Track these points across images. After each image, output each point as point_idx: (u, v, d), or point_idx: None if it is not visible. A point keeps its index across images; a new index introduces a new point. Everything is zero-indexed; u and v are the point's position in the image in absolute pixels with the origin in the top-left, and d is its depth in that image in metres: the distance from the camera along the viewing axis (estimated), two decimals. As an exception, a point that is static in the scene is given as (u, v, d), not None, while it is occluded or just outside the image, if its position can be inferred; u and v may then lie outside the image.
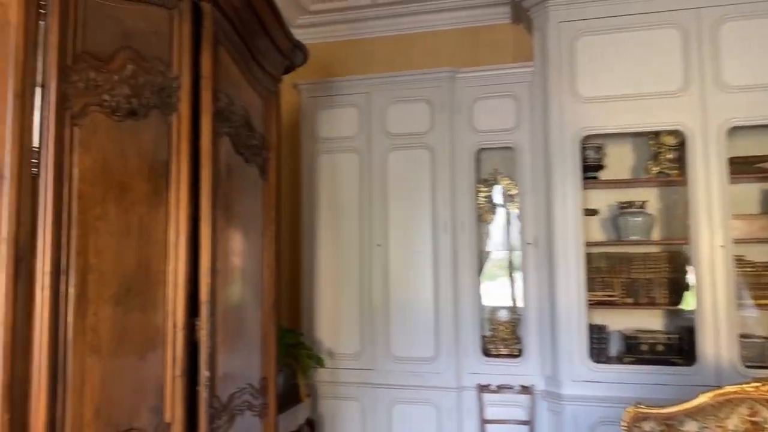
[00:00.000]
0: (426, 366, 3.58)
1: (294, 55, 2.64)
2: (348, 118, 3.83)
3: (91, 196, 1.49)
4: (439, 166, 3.67)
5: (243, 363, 2.23)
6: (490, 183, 3.83)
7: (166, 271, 1.77)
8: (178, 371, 1.79)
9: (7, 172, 1.26)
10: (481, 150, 3.73)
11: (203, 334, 1.91)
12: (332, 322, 3.75)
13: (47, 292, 1.34)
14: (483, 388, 3.53)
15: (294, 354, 3.36)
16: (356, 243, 3.75)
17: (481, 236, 3.80)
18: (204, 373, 1.90)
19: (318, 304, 3.77)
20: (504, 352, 3.65)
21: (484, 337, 3.70)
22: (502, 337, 3.69)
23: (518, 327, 3.67)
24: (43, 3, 1.36)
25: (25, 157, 1.30)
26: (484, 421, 3.51)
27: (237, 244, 2.20)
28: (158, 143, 1.76)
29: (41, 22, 1.36)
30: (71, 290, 1.41)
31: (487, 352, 3.63)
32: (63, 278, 1.39)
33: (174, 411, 1.77)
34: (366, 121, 3.79)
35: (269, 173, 2.50)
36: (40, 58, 1.35)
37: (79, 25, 1.47)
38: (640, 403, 2.34)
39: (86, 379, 1.44)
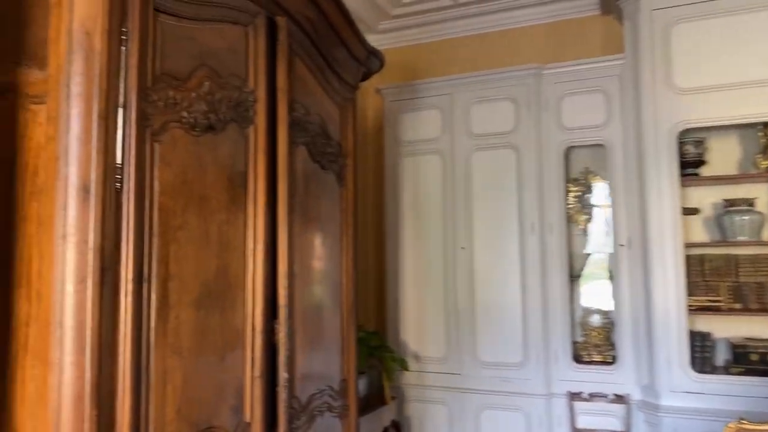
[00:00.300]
0: (514, 371, 3.50)
1: (370, 62, 2.67)
2: (431, 120, 3.82)
3: (172, 208, 1.58)
4: (525, 166, 3.57)
5: (322, 365, 2.29)
6: (580, 182, 3.68)
7: (245, 277, 1.85)
8: (257, 372, 1.86)
9: (93, 188, 1.37)
10: (570, 148, 3.59)
11: (281, 337, 1.98)
12: (418, 326, 3.75)
13: (131, 299, 1.43)
14: (574, 396, 3.40)
15: (378, 356, 3.39)
16: (440, 246, 3.73)
17: (571, 238, 3.66)
18: (282, 374, 1.96)
19: (403, 307, 3.79)
20: (597, 358, 3.49)
21: (575, 342, 3.57)
22: (595, 343, 3.54)
23: (612, 332, 3.50)
24: (124, 30, 1.46)
25: (109, 173, 1.40)
26: (576, 430, 3.38)
27: (314, 248, 2.26)
28: (235, 155, 1.84)
29: (123, 48, 1.46)
30: (153, 296, 1.51)
31: (578, 359, 3.49)
32: (145, 285, 1.49)
33: (253, 411, 1.85)
34: (449, 123, 3.76)
35: (346, 179, 2.54)
36: (122, 81, 1.45)
37: (158, 48, 1.57)
38: (743, 419, 2.16)
39: (168, 379, 1.54)
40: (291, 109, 2.09)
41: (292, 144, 2.09)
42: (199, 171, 1.69)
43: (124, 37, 1.46)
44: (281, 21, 2.05)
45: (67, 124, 1.37)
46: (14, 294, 1.41)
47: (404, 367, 3.53)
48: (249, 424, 1.84)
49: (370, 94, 4.25)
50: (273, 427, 1.94)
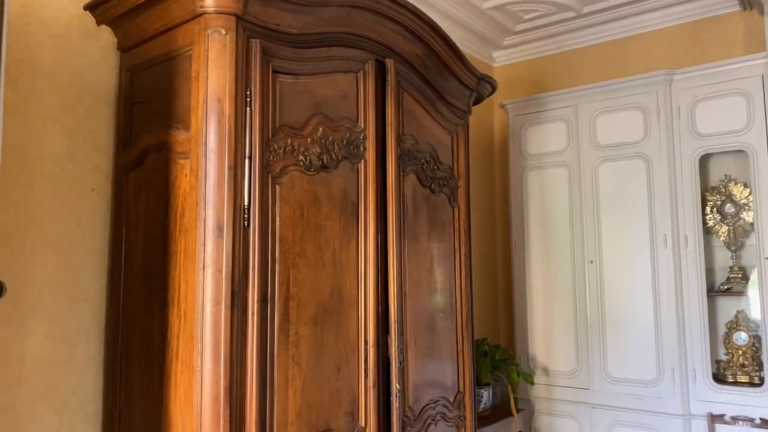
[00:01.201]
0: (647, 389, 3.38)
1: (481, 88, 2.79)
2: (556, 132, 3.82)
3: (290, 238, 1.85)
4: (656, 176, 3.44)
5: (436, 377, 2.45)
6: (719, 191, 3.46)
7: (358, 296, 2.08)
8: (371, 383, 2.08)
9: (225, 227, 1.67)
10: (706, 156, 3.40)
11: (393, 350, 2.18)
12: (546, 339, 3.76)
13: (257, 317, 1.72)
14: (715, 419, 3.20)
15: (504, 369, 3.47)
16: (568, 259, 3.71)
17: (711, 250, 3.46)
18: (395, 385, 2.17)
19: (531, 320, 3.82)
20: (742, 379, 3.26)
21: (718, 361, 3.36)
22: (740, 363, 3.30)
23: (760, 351, 3.25)
24: (248, 93, 1.76)
25: (238, 214, 1.70)
26: (719, 455, 3.19)
27: (426, 266, 2.43)
28: (347, 188, 2.08)
29: (248, 109, 1.75)
30: (276, 315, 1.79)
31: (719, 378, 3.28)
32: (269, 305, 1.77)
33: (368, 417, 2.07)
34: (574, 134, 3.73)
35: (459, 200, 2.68)
36: (247, 136, 1.75)
37: (277, 104, 1.85)
38: None
39: (289, 386, 1.80)
40: (399, 141, 2.29)
41: (401, 172, 2.29)
42: (314, 205, 1.95)
43: (248, 99, 1.76)
44: (390, 63, 2.26)
45: (205, 175, 1.69)
46: (169, 312, 1.76)
47: (529, 380, 3.57)
48: (364, 429, 2.06)
49: (496, 109, 4.33)
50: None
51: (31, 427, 1.76)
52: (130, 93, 2.01)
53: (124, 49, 2.03)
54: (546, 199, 3.84)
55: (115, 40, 2.04)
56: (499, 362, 3.43)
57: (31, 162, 1.81)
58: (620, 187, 3.56)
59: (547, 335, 3.76)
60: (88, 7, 1.98)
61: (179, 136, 1.79)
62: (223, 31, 1.72)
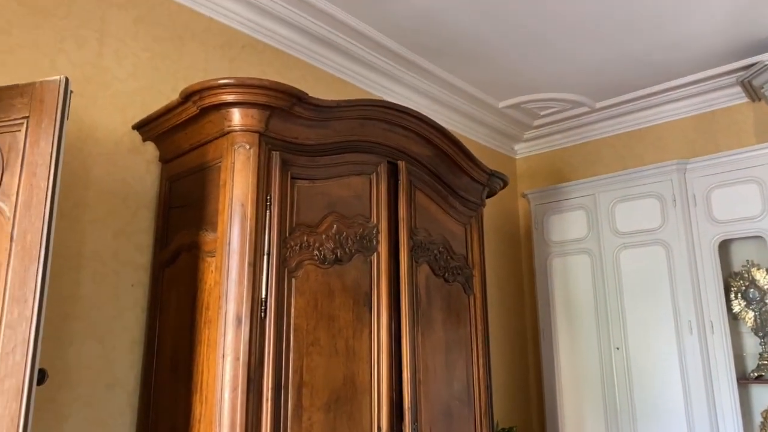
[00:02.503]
0: (682, 482, 3.27)
1: (492, 183, 2.97)
2: (576, 220, 3.94)
3: (305, 328, 2.02)
4: (677, 262, 3.49)
5: (453, 465, 2.48)
6: (743, 277, 3.47)
7: (371, 383, 2.20)
8: (384, 469, 2.15)
9: (244, 319, 1.85)
10: (726, 241, 3.45)
11: (407, 437, 2.26)
12: (577, 426, 3.71)
13: (271, 403, 1.86)
14: None
15: (532, 458, 3.43)
16: (594, 345, 3.72)
17: (739, 336, 3.43)
18: (409, 472, 2.23)
19: (561, 408, 3.79)
20: (782, 472, 3.13)
21: (756, 453, 3.25)
22: (779, 455, 3.18)
23: (799, 444, 3.13)
24: (268, 198, 1.99)
25: (256, 306, 1.89)
26: None
27: (441, 354, 2.54)
28: (360, 279, 2.25)
29: (267, 211, 1.98)
30: (290, 401, 1.92)
31: (758, 472, 3.16)
32: (283, 392, 1.91)
33: (381, 503, 2.13)
34: (594, 222, 3.84)
35: (474, 288, 2.81)
36: (266, 236, 1.96)
37: (295, 206, 2.08)
38: None
39: (302, 470, 1.91)
40: (412, 234, 2.47)
41: (413, 263, 2.46)
42: (328, 296, 2.12)
43: (268, 203, 1.99)
44: (401, 164, 2.49)
45: (228, 272, 1.89)
46: (193, 398, 1.92)
47: (557, 471, 3.51)
48: None
49: (519, 198, 4.50)
50: None
51: (65, 507, 1.90)
52: (168, 199, 2.28)
53: (164, 161, 2.33)
54: (570, 285, 3.90)
55: (157, 153, 2.34)
56: (526, 452, 3.40)
57: (79, 261, 2.07)
58: (642, 273, 3.61)
59: (578, 424, 3.71)
60: (136, 127, 2.30)
61: (207, 236, 2.02)
62: (248, 146, 1.98)
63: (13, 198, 1.47)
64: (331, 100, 2.14)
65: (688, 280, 3.43)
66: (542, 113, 4.20)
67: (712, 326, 3.34)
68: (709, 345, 3.34)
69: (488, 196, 3.05)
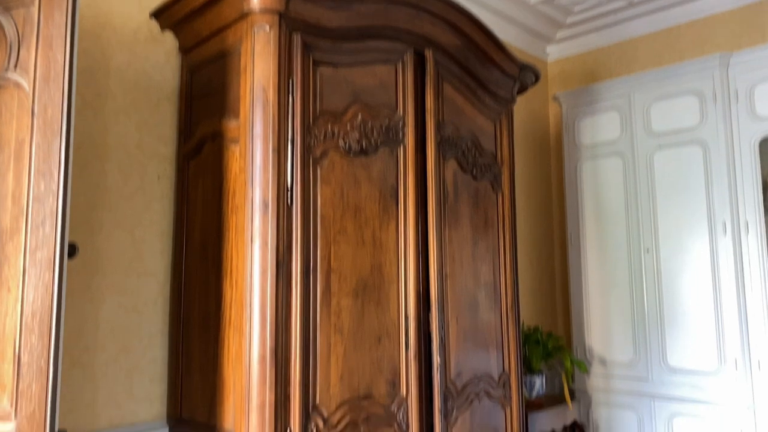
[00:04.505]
0: (708, 380, 3.30)
1: (524, 77, 2.85)
2: (609, 122, 3.80)
3: (331, 217, 2.00)
4: (714, 162, 3.37)
5: (479, 356, 2.52)
6: (784, 175, 3.34)
7: (398, 274, 2.20)
8: (412, 355, 2.19)
9: (271, 204, 1.84)
10: (766, 140, 3.30)
11: (434, 327, 2.28)
12: (603, 329, 3.73)
13: (300, 287, 1.87)
14: (782, 410, 3.09)
15: (558, 358, 3.48)
16: (624, 249, 3.68)
17: (775, 236, 3.34)
18: (436, 359, 2.27)
19: (588, 311, 3.80)
20: (810, 370, 3.13)
21: (785, 352, 3.23)
22: (809, 353, 3.17)
23: (830, 342, 3.11)
24: (290, 83, 1.93)
25: (282, 192, 1.87)
26: (786, 449, 3.07)
27: (468, 250, 2.52)
28: (387, 172, 2.21)
29: (290, 97, 1.92)
30: (318, 285, 1.94)
31: (786, 369, 3.16)
32: (311, 277, 1.92)
33: (409, 388, 2.18)
34: (628, 123, 3.71)
35: (503, 186, 2.75)
36: (290, 122, 1.91)
37: (318, 93, 2.02)
38: None
39: (331, 351, 1.95)
40: (439, 127, 2.40)
41: (441, 158, 2.40)
42: (354, 187, 2.09)
43: (291, 88, 1.93)
44: (428, 53, 2.38)
45: (252, 158, 1.87)
46: (223, 283, 1.95)
47: (582, 368, 3.55)
48: (405, 399, 2.17)
49: (550, 102, 4.35)
50: (429, 403, 2.25)
51: (106, 385, 1.99)
52: (189, 90, 2.23)
53: (184, 51, 2.26)
54: (601, 190, 3.82)
55: (176, 43, 2.27)
56: (552, 351, 3.45)
57: (105, 151, 2.06)
58: (676, 175, 3.51)
59: (604, 325, 3.73)
60: (154, 14, 2.22)
61: (230, 124, 1.98)
62: (267, 27, 1.90)
63: (32, 72, 1.43)
64: (354, -20, 2.03)
65: (724, 180, 3.32)
66: (576, 8, 3.97)
67: (747, 226, 3.26)
68: (743, 246, 3.27)
69: (519, 92, 2.93)
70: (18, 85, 1.42)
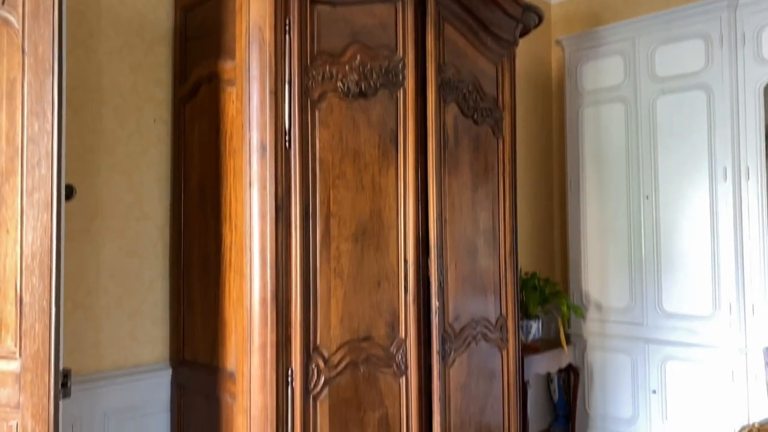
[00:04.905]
0: (702, 324, 3.35)
1: (527, 18, 2.77)
2: (612, 67, 3.73)
3: (330, 161, 1.98)
4: (717, 107, 3.33)
5: (477, 300, 2.55)
6: (787, 120, 3.30)
7: (397, 219, 2.20)
8: (411, 299, 2.21)
9: (268, 147, 1.82)
10: (772, 84, 3.25)
11: (433, 271, 2.30)
12: (600, 275, 3.77)
13: (299, 231, 1.87)
14: (773, 353, 3.15)
15: (554, 303, 3.53)
16: (623, 195, 3.67)
17: (775, 182, 3.33)
18: (435, 302, 2.29)
19: (585, 257, 3.82)
20: (803, 314, 3.17)
21: (778, 296, 3.27)
22: (802, 298, 3.21)
23: (824, 287, 3.14)
24: (287, 22, 1.87)
25: (280, 135, 1.84)
26: (775, 390, 3.14)
27: (467, 196, 2.51)
28: (386, 115, 2.18)
29: (287, 36, 1.87)
30: (317, 230, 1.93)
31: (779, 313, 3.21)
32: (311, 221, 1.92)
33: (408, 330, 2.21)
34: (631, 68, 3.64)
35: (504, 131, 2.72)
36: (287, 63, 1.87)
37: (315, 32, 1.96)
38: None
39: (331, 295, 1.96)
40: (440, 70, 2.35)
41: (441, 102, 2.36)
42: (353, 130, 2.06)
43: (287, 28, 1.88)
44: (428, -8, 2.31)
45: (249, 100, 1.83)
46: (222, 227, 1.94)
47: (578, 313, 3.60)
48: (404, 340, 2.20)
49: (553, 46, 4.26)
50: (427, 345, 2.28)
51: (109, 328, 2.02)
52: (184, 30, 2.17)
53: (177, -11, 2.19)
54: (602, 136, 3.78)
55: (169, -19, 2.20)
56: (549, 296, 3.49)
57: (99, 95, 2.02)
58: (679, 120, 3.47)
59: (601, 271, 3.76)
60: (144, -49, 2.14)
61: (226, 65, 1.94)
62: (263, -36, 1.83)
63: (20, 8, 1.39)
64: None
65: (727, 125, 3.29)
66: (582, -53, 3.83)
67: (748, 172, 3.24)
68: (743, 192, 3.26)
69: (522, 34, 2.86)
70: (6, 22, 1.38)
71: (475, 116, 2.56)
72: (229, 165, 1.91)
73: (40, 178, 1.34)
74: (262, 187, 1.82)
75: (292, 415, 1.82)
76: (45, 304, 1.32)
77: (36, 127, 1.35)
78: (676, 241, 3.47)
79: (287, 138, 1.87)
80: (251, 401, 1.79)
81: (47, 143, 1.35)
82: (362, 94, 2.09)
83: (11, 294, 1.35)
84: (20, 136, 1.37)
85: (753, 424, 1.67)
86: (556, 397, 3.97)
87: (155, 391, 2.10)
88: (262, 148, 1.82)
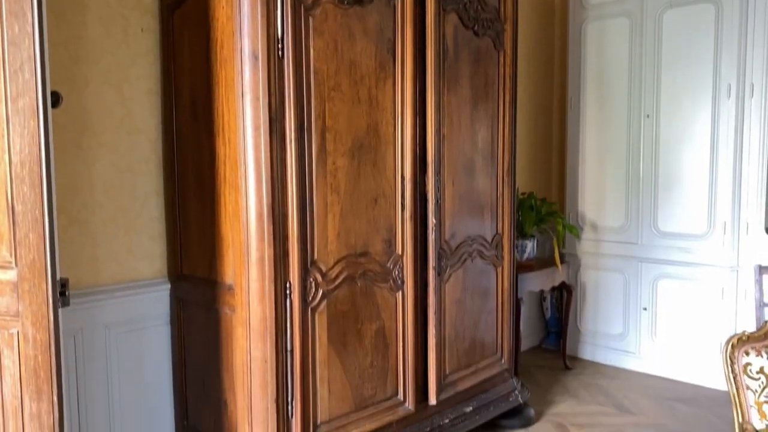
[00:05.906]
0: (696, 243, 3.38)
1: None
2: (619, -22, 3.58)
3: (325, 72, 1.92)
4: (725, 21, 3.21)
5: (473, 218, 2.55)
6: (796, 36, 3.20)
7: (395, 134, 2.15)
8: (408, 215, 2.21)
9: (260, 56, 1.75)
10: (785, -4, 3.12)
11: (430, 188, 2.28)
12: (597, 195, 3.76)
13: (294, 145, 1.83)
14: (764, 270, 3.20)
15: (550, 223, 3.54)
16: (624, 114, 3.61)
17: (779, 101, 3.27)
18: (431, 219, 2.29)
19: (583, 177, 3.81)
20: (796, 232, 3.20)
21: (773, 215, 3.29)
22: (796, 217, 3.22)
23: (819, 206, 3.15)
24: None
25: (272, 43, 1.77)
26: (764, 305, 3.21)
27: (466, 111, 2.46)
28: (383, 25, 2.09)
29: (276, -63, 1.76)
30: (313, 144, 1.89)
31: (772, 232, 3.23)
32: (306, 135, 1.87)
33: (405, 246, 2.21)
34: (638, -20, 3.49)
35: (505, 44, 2.63)
36: (279, -34, 1.77)
37: (308, -67, 1.84)
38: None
39: (328, 210, 1.95)
40: (439, -23, 2.24)
41: (441, 11, 2.26)
42: (349, 40, 1.98)
43: (277, -73, 1.76)
44: None
45: (239, 5, 1.75)
46: (216, 141, 1.90)
47: (574, 233, 3.63)
48: (401, 256, 2.21)
49: (558, -43, 4.06)
50: (424, 261, 2.30)
51: (105, 243, 2.01)
52: (168, -69, 2.05)
53: None
54: (605, 52, 3.68)
55: None
56: (545, 216, 3.49)
57: (82, 1, 1.92)
58: (685, 35, 3.36)
59: (598, 192, 3.75)
60: None
61: (214, -32, 1.83)
62: None
63: None
64: None
65: (735, 41, 3.19)
66: None
67: (753, 89, 3.17)
68: (745, 110, 3.20)
69: (525, -60, 2.71)
70: None
71: (476, 27, 2.46)
72: (221, 75, 1.84)
73: (24, 83, 1.29)
74: (255, 98, 1.76)
75: (291, 325, 1.85)
76: (38, 213, 1.30)
77: (16, 29, 1.28)
78: (674, 161, 3.44)
79: (280, 46, 1.79)
80: (250, 313, 1.82)
81: (29, 46, 1.29)
82: (358, 1, 1.99)
83: (3, 203, 1.33)
84: (0, 39, 1.30)
85: (744, 332, 1.71)
86: (548, 314, 4.06)
87: (155, 305, 2.13)
88: (254, 56, 1.75)
